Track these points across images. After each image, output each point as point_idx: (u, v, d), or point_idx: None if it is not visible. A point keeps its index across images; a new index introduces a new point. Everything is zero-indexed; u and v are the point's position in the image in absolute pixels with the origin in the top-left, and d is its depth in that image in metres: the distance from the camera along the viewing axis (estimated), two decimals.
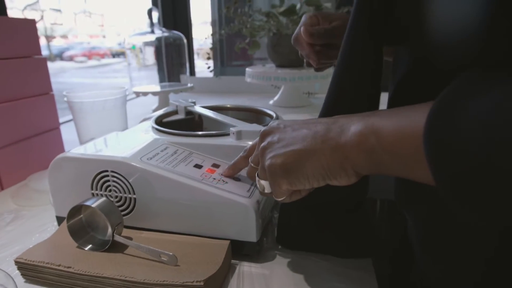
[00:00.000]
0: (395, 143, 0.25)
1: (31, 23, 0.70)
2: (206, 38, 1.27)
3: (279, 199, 0.34)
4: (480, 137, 0.19)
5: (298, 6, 1.21)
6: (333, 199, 0.39)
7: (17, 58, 0.67)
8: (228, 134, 0.49)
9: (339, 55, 0.35)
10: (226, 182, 0.42)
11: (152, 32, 1.17)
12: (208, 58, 1.31)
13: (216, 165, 0.46)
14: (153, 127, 0.54)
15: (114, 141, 0.50)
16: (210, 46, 1.29)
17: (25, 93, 0.68)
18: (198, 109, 0.62)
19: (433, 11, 0.28)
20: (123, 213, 0.43)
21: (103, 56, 17.05)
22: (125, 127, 0.73)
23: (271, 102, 1.29)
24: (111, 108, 0.69)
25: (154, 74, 1.40)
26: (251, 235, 0.39)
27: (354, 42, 0.34)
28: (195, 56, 1.82)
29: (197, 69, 1.83)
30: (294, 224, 0.42)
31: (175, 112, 0.64)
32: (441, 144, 0.21)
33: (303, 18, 0.53)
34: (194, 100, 0.66)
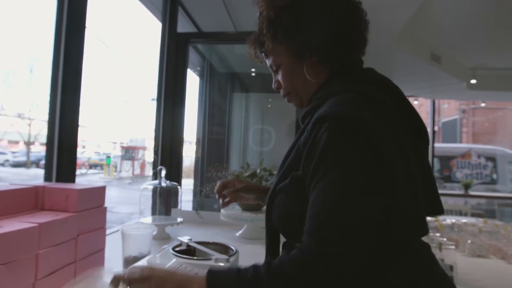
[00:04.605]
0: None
1: (102, 189, 1.27)
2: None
3: None
4: None
5: (258, 171, 1.88)
6: None
7: (93, 208, 1.22)
8: (209, 259, 1.04)
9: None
10: None
11: (160, 184, 1.79)
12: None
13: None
14: (171, 253, 1.08)
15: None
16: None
17: (92, 227, 1.21)
18: (192, 244, 1.17)
19: None
20: None
21: (79, 166, 17.44)
22: (150, 248, 1.25)
23: (237, 234, 1.85)
24: (145, 237, 1.23)
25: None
26: None
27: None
28: None
29: None
30: None
31: (180, 244, 1.19)
32: None
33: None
34: (190, 238, 1.21)
